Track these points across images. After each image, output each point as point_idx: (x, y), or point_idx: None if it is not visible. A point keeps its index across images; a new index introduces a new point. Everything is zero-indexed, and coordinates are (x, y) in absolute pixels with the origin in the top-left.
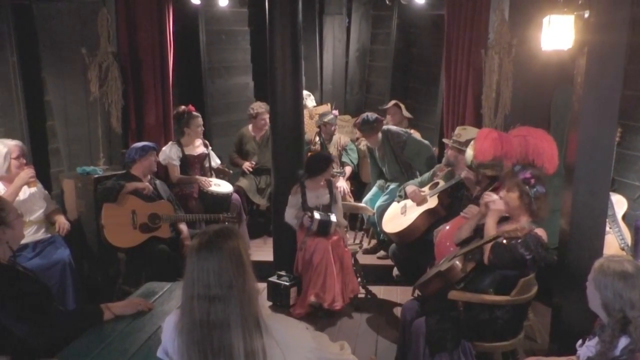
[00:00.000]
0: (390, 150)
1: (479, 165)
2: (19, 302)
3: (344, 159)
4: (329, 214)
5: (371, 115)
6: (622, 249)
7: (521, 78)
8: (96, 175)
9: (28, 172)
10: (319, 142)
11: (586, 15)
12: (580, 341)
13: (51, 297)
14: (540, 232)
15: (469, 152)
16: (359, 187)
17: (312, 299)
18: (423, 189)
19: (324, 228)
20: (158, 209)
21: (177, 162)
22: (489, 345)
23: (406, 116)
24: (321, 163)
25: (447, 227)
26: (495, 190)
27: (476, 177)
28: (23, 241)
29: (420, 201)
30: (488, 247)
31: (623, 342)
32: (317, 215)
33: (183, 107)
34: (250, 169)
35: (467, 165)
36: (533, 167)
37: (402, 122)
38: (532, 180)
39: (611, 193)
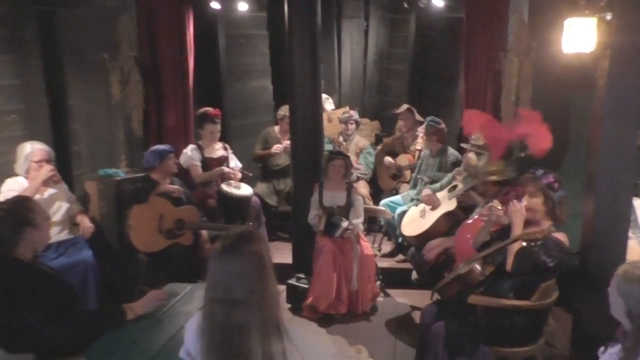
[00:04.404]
0: (439, 166)
1: (483, 173)
2: (44, 302)
3: (361, 161)
4: (342, 219)
5: (440, 121)
6: None
7: (541, 81)
8: (118, 178)
9: (47, 168)
10: (342, 142)
11: (608, 17)
12: (602, 348)
13: (76, 297)
14: (561, 236)
15: (471, 156)
16: (376, 192)
17: (310, 301)
18: (441, 193)
19: (330, 229)
20: (184, 215)
21: (199, 164)
22: (508, 351)
23: (418, 120)
24: (325, 158)
25: (469, 222)
26: (507, 195)
27: (484, 187)
28: None
29: (435, 205)
30: (512, 254)
31: None
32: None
33: (206, 108)
34: (280, 150)
35: (466, 169)
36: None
37: (414, 127)
38: (556, 185)
39: (634, 198)
